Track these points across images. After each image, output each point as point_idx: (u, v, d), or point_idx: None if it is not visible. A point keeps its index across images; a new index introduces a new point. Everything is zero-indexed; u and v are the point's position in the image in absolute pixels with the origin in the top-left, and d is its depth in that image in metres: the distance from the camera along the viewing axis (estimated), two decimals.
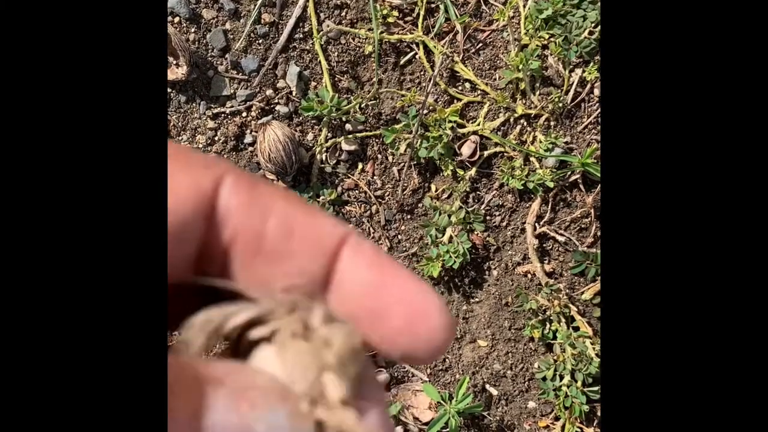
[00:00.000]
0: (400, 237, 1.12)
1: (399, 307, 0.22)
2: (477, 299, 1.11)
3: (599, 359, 1.04)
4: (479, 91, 1.11)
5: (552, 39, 1.08)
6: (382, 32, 1.10)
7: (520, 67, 1.05)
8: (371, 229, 1.11)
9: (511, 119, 1.10)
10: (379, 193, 1.12)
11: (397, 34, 1.11)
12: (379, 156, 1.12)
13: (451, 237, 1.08)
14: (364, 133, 1.11)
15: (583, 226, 1.10)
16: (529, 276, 1.10)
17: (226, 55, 1.11)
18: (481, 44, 1.12)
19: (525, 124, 1.10)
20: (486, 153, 1.10)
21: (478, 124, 1.09)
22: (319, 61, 1.11)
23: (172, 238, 0.21)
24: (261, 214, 0.22)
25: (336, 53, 1.12)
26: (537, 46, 1.07)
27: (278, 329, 0.21)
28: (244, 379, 0.20)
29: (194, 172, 0.22)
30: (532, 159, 1.09)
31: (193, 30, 1.10)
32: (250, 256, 0.22)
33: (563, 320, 1.08)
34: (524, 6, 1.09)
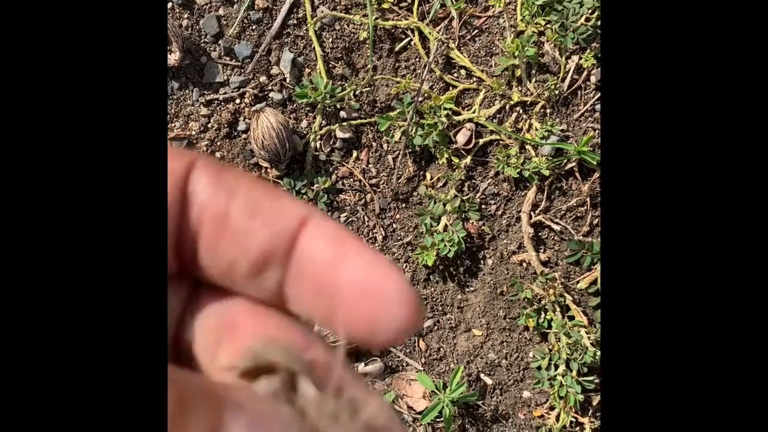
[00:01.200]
0: (394, 226, 1.11)
1: (354, 281, 0.21)
2: (472, 288, 1.10)
3: (594, 348, 1.03)
4: (475, 78, 1.10)
5: (548, 25, 1.07)
6: (377, 18, 1.08)
7: (516, 53, 1.04)
8: (366, 217, 1.11)
9: (507, 107, 1.09)
10: (373, 181, 1.11)
11: (392, 20, 1.10)
12: (374, 144, 1.11)
13: (446, 226, 1.07)
14: (358, 121, 1.10)
15: (579, 214, 1.09)
16: (525, 265, 1.10)
17: (220, 42, 1.09)
18: (476, 30, 1.11)
19: (521, 111, 1.09)
20: (481, 141, 1.09)
21: (474, 112, 1.08)
22: (313, 48, 1.09)
23: None
24: (226, 196, 0.22)
25: (330, 39, 1.10)
26: (533, 32, 1.06)
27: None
28: (265, 409, 0.19)
29: (168, 158, 0.22)
30: (527, 147, 1.08)
31: (186, 16, 1.09)
32: (215, 237, 0.22)
33: (558, 309, 1.07)
34: None
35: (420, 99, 1.06)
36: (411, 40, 1.10)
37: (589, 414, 1.07)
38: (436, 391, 1.04)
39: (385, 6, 1.09)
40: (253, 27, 1.10)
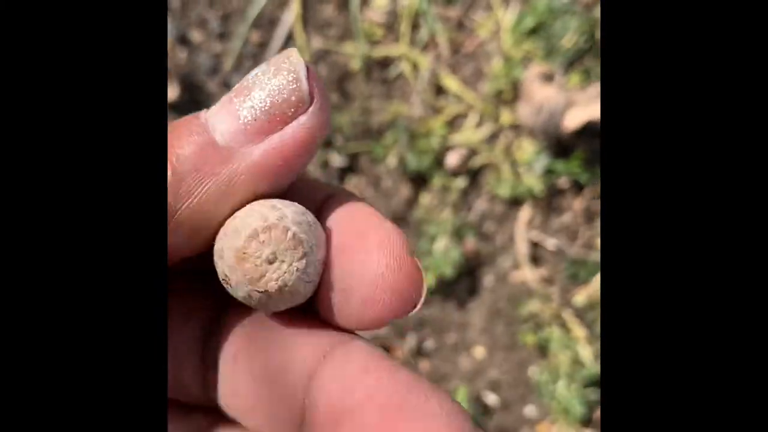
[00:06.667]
0: None
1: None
2: (471, 308, 1.12)
3: (594, 362, 1.05)
4: (465, 103, 1.13)
5: (535, 50, 1.10)
6: (368, 48, 1.12)
7: (504, 78, 1.07)
8: None
9: (498, 129, 1.12)
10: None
11: (383, 48, 1.13)
12: (370, 169, 1.13)
13: (443, 246, 1.09)
14: (354, 148, 1.12)
15: (573, 230, 1.11)
16: (522, 282, 1.12)
17: (216, 76, 1.13)
18: (465, 56, 1.14)
19: (511, 133, 1.12)
20: (474, 162, 1.12)
21: (465, 135, 1.11)
22: None
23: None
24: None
25: (324, 70, 1.14)
26: (520, 56, 1.09)
27: None
28: None
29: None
30: (519, 167, 1.11)
31: (183, 52, 1.12)
32: None
33: (557, 325, 1.09)
34: (506, 16, 1.11)
35: (412, 124, 1.09)
36: (401, 68, 1.13)
37: (591, 427, 1.09)
38: None
39: (376, 36, 1.13)
40: (249, 61, 1.13)
